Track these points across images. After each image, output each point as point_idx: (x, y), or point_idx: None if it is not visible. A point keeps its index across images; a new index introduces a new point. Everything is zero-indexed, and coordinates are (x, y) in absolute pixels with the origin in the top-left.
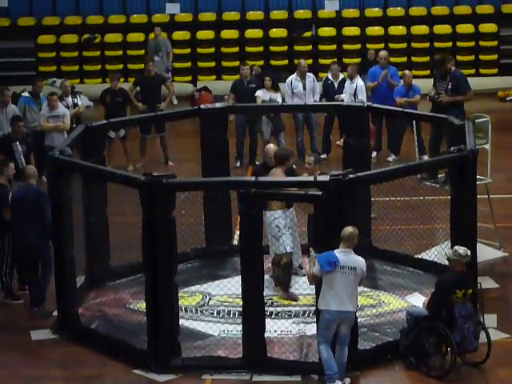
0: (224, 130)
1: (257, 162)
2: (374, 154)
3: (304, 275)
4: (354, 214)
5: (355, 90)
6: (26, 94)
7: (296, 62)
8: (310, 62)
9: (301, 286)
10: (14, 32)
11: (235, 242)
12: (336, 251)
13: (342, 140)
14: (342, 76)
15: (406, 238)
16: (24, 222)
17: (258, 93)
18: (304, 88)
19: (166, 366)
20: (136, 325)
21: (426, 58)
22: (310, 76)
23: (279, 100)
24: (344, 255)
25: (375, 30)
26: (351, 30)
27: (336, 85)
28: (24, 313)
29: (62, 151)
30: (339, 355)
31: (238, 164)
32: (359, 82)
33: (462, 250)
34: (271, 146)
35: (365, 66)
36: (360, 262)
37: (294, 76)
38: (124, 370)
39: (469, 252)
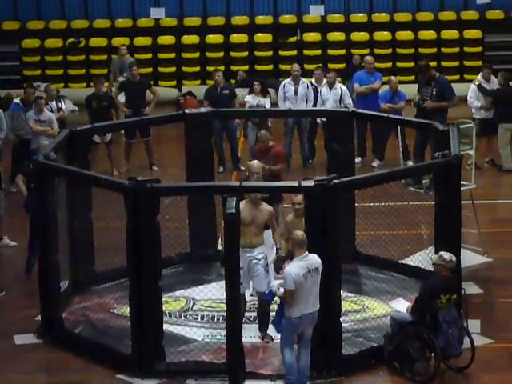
0: (208, 134)
1: (242, 167)
2: (359, 159)
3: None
4: (338, 219)
5: (340, 96)
6: (17, 100)
7: (281, 67)
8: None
9: None
10: None
11: (219, 247)
12: (297, 259)
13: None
14: (325, 81)
15: (390, 243)
16: None
17: (247, 98)
18: (296, 93)
19: (150, 370)
20: (120, 329)
21: (411, 64)
22: (304, 82)
23: (267, 105)
24: (306, 260)
25: (360, 36)
26: (336, 36)
27: (320, 89)
28: (6, 317)
29: (46, 156)
30: (304, 357)
31: (221, 169)
32: (342, 87)
33: (447, 255)
34: (255, 163)
35: (349, 71)
36: (318, 260)
37: (287, 80)
38: (108, 374)
39: (454, 258)
